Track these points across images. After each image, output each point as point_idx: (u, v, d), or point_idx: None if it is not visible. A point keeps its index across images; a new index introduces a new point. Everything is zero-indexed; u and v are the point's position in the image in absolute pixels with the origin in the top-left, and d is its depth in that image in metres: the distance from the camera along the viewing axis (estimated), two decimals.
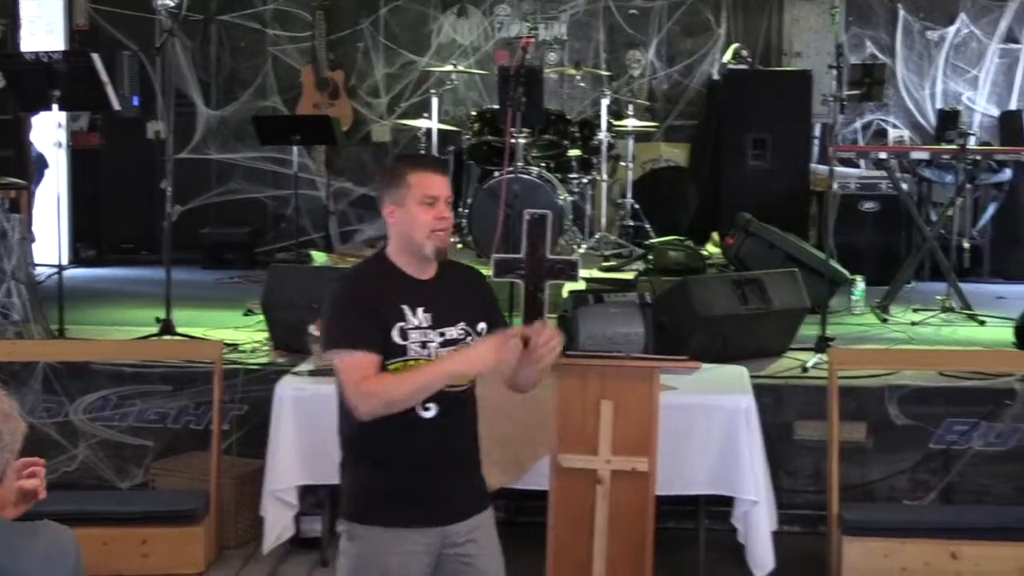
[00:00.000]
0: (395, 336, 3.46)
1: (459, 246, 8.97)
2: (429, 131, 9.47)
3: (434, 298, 3.54)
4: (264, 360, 6.46)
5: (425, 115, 9.57)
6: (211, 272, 9.79)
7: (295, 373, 5.58)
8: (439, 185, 3.55)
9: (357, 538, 3.54)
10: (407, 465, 3.51)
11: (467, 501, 3.64)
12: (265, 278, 6.82)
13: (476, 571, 3.61)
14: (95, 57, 7.00)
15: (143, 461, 6.23)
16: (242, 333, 7.10)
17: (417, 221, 3.51)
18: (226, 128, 10.50)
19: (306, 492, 5.55)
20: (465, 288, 3.65)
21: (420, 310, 3.51)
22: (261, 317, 6.87)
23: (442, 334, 3.52)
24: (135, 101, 10.18)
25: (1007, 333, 7.08)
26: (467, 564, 3.59)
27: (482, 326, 3.58)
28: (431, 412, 3.49)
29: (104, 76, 7.00)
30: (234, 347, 6.65)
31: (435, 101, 9.48)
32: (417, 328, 3.49)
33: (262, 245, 10.44)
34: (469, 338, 3.54)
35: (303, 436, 5.31)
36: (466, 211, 8.70)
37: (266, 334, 6.76)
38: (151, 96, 10.15)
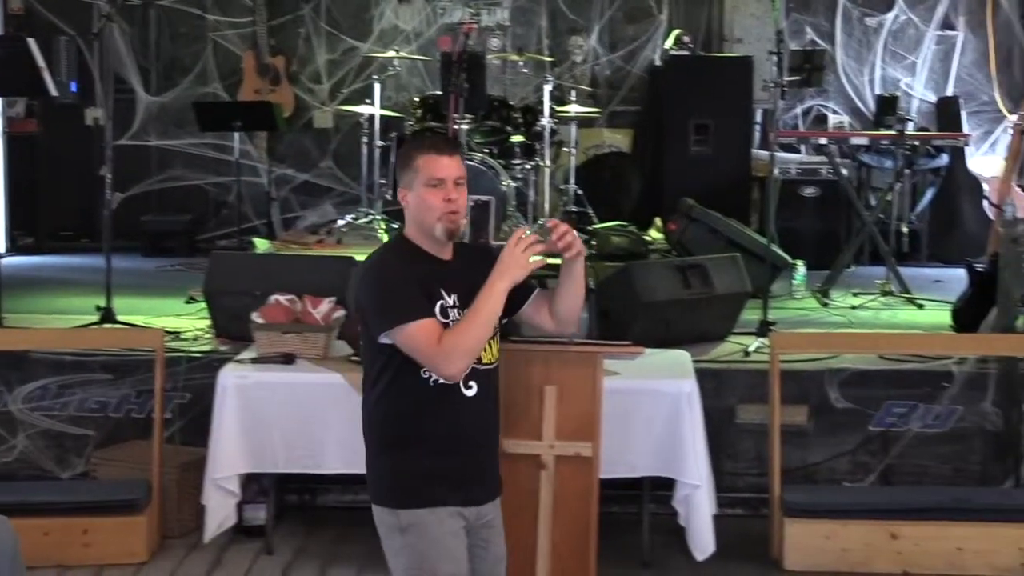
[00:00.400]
0: (437, 314, 3.49)
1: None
2: (371, 117, 9.43)
3: (457, 279, 3.56)
4: (206, 348, 6.42)
5: (367, 101, 9.53)
6: (152, 260, 9.70)
7: (238, 361, 5.55)
8: (447, 166, 3.53)
9: (410, 527, 3.51)
10: (455, 444, 3.54)
11: (496, 481, 3.70)
12: (207, 265, 6.77)
13: (490, 555, 3.64)
14: (31, 42, 6.90)
15: (84, 451, 6.17)
16: (184, 321, 7.04)
17: (425, 204, 3.51)
18: (166, 114, 10.39)
19: (249, 480, 5.54)
20: (480, 266, 3.62)
21: (449, 290, 3.53)
22: (203, 305, 6.82)
23: None
24: (73, 87, 10.05)
25: (945, 316, 7.17)
26: (483, 548, 3.62)
27: None
28: (473, 390, 3.53)
29: (41, 61, 6.90)
30: (176, 335, 6.60)
31: (377, 87, 9.44)
32: (452, 307, 3.52)
33: (203, 232, 10.35)
34: None
35: (246, 424, 5.30)
36: None
37: (208, 322, 6.72)
38: (89, 82, 10.02)
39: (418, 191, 3.53)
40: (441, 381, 3.49)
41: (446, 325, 3.48)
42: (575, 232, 3.61)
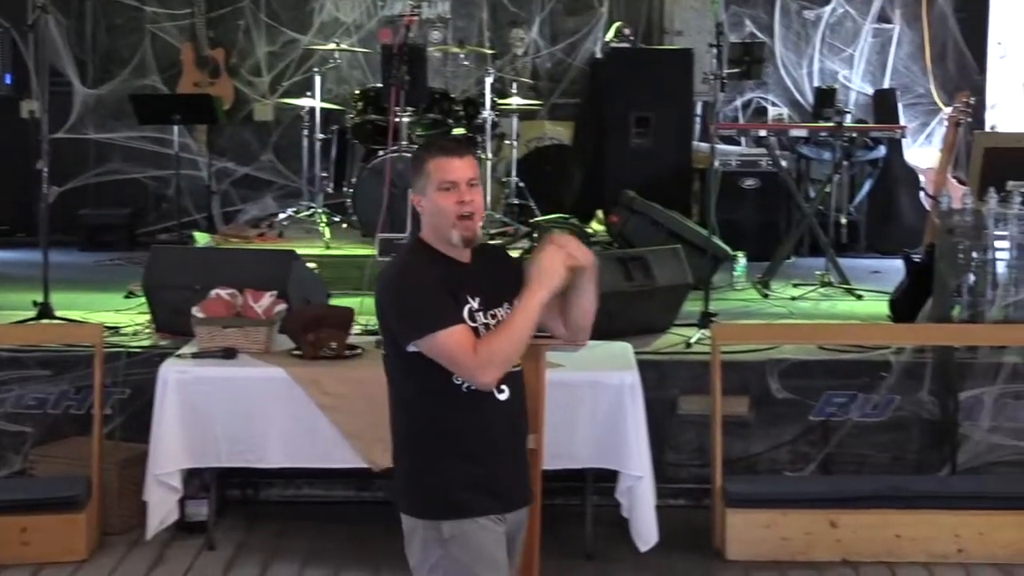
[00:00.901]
0: (466, 318, 3.40)
1: (344, 226, 8.92)
2: (312, 110, 9.38)
3: (479, 281, 3.47)
4: (146, 343, 6.38)
5: (308, 94, 9.48)
6: (90, 254, 9.60)
7: (179, 356, 5.52)
8: (458, 169, 3.42)
9: (452, 538, 3.40)
10: (492, 450, 3.45)
11: (527, 485, 3.62)
12: (146, 260, 6.71)
13: (513, 563, 3.57)
14: None
15: (21, 448, 6.10)
16: (123, 316, 6.99)
17: (439, 209, 3.40)
18: (104, 107, 10.27)
19: (191, 476, 5.51)
20: (498, 267, 3.59)
21: (473, 293, 3.45)
22: (143, 299, 6.77)
23: (494, 316, 3.46)
24: (7, 79, 9.93)
25: (883, 307, 7.26)
26: (512, 555, 3.55)
27: None
28: (505, 394, 3.44)
29: None
30: (115, 330, 6.55)
31: (318, 80, 9.39)
32: (478, 311, 3.44)
33: (143, 226, 10.25)
34: None
35: (187, 419, 5.27)
36: (351, 191, 8.65)
37: (148, 317, 6.66)
38: (24, 74, 9.89)
39: (431, 196, 3.42)
40: (473, 387, 3.39)
41: (475, 330, 3.38)
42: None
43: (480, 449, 3.45)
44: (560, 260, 3.35)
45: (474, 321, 3.41)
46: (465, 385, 3.39)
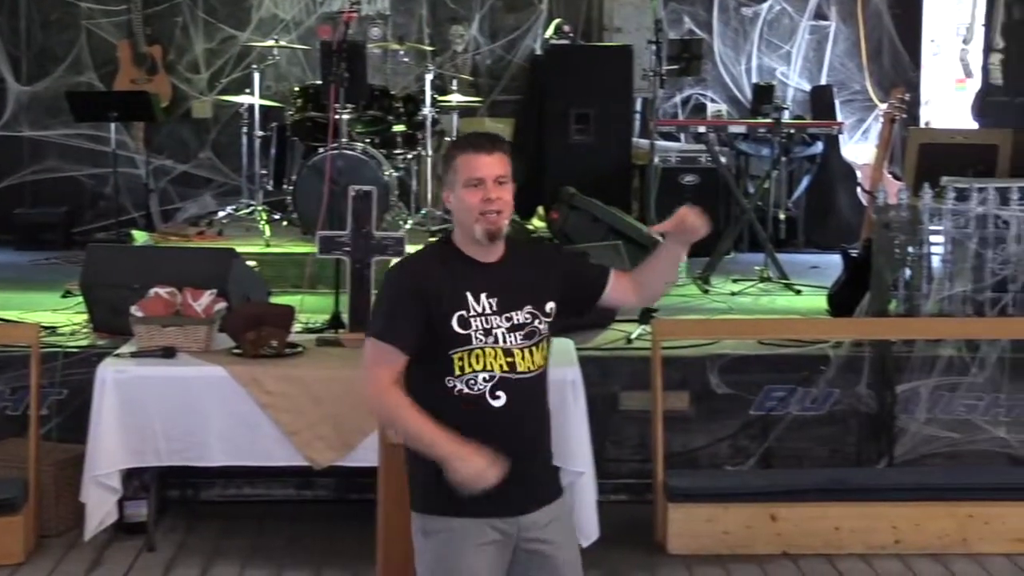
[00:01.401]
0: (455, 325, 3.37)
1: (284, 224, 8.88)
2: (251, 107, 9.34)
3: (499, 282, 3.43)
4: (84, 342, 6.31)
5: (247, 91, 9.42)
6: (26, 253, 9.48)
7: (117, 355, 5.47)
8: (485, 165, 3.41)
9: (432, 533, 3.42)
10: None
11: (541, 489, 3.53)
12: (84, 258, 6.64)
13: (552, 563, 3.49)
14: None
15: None
16: (60, 315, 6.91)
17: (464, 205, 3.40)
18: (39, 104, 10.15)
19: (130, 476, 5.46)
20: (533, 268, 3.52)
21: (484, 296, 3.41)
22: (80, 299, 6.69)
23: (508, 319, 3.42)
24: None
25: (821, 301, 7.32)
26: (543, 556, 3.47)
27: (551, 306, 3.48)
28: (500, 401, 3.39)
29: None
30: (52, 330, 6.47)
31: (257, 76, 9.34)
32: (480, 315, 3.39)
33: (80, 225, 10.14)
34: (536, 321, 3.45)
35: (126, 419, 5.23)
36: (291, 188, 8.61)
37: (86, 316, 6.59)
38: None
39: (458, 192, 3.42)
40: (464, 391, 3.38)
41: (468, 337, 3.37)
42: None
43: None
44: (479, 479, 3.27)
45: (466, 328, 3.38)
46: (456, 388, 3.39)
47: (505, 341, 3.41)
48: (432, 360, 3.39)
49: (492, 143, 3.51)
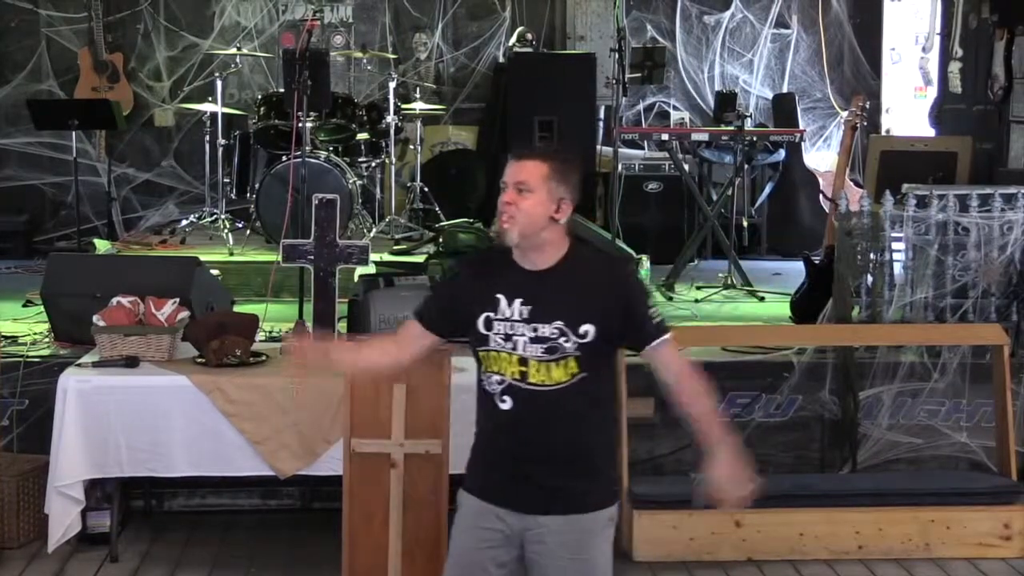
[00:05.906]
0: (480, 325, 3.47)
1: (247, 232, 8.85)
2: (214, 115, 9.31)
3: (538, 291, 3.45)
4: (45, 352, 6.25)
5: (210, 99, 9.40)
6: None
7: (79, 365, 5.44)
8: (512, 171, 3.51)
9: (459, 506, 3.62)
10: (493, 448, 3.56)
11: (555, 496, 3.50)
12: (45, 267, 6.59)
13: (542, 573, 3.51)
14: None
15: None
16: (21, 325, 6.85)
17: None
18: None
19: (92, 486, 5.42)
20: (582, 285, 3.48)
21: (519, 302, 3.45)
22: (41, 308, 6.64)
23: (535, 329, 3.43)
24: None
25: (784, 308, 7.35)
26: (535, 561, 3.51)
27: (586, 328, 3.42)
28: (507, 404, 3.48)
29: None
30: (13, 339, 6.42)
31: (219, 84, 9.31)
32: (507, 320, 3.45)
33: (41, 234, 10.09)
34: (563, 339, 3.42)
35: (88, 429, 5.20)
36: (254, 196, 8.59)
37: (47, 325, 6.54)
38: None
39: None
40: (484, 385, 3.53)
41: (486, 338, 3.46)
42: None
43: (483, 442, 3.60)
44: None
45: (489, 329, 3.47)
46: (483, 382, 3.53)
47: (523, 350, 3.45)
48: (476, 352, 3.55)
49: (532, 151, 3.65)
